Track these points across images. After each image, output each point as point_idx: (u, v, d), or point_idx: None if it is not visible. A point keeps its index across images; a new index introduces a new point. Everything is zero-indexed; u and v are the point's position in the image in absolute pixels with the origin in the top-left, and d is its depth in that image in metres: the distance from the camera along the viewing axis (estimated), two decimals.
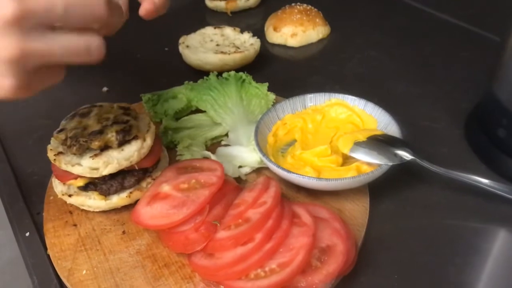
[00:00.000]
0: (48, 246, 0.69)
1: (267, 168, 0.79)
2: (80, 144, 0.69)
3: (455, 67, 1.05)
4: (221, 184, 0.68)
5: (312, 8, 1.19)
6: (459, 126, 0.88)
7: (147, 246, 0.68)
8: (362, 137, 0.74)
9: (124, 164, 0.70)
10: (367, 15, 1.30)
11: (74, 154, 0.69)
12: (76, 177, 0.71)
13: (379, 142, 0.74)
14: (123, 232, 0.70)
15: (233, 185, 0.72)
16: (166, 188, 0.69)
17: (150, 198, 0.69)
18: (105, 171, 0.69)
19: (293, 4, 1.20)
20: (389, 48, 1.14)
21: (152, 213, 0.66)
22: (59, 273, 0.65)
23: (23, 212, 0.75)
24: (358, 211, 0.72)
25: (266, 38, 1.19)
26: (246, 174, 0.79)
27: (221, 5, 1.31)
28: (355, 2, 1.37)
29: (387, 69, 1.06)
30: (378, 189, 0.74)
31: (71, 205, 0.74)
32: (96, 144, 0.69)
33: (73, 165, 0.69)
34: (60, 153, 0.71)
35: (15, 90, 0.51)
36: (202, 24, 1.15)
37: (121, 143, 0.70)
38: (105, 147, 0.70)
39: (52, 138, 0.74)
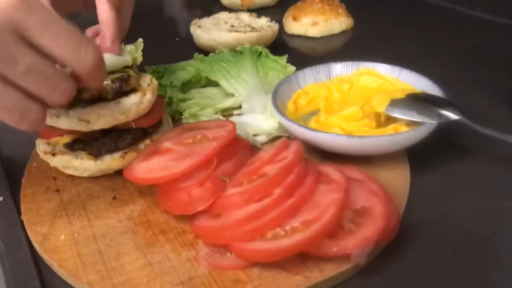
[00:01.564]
0: (22, 211, 0.57)
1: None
2: None
3: (490, 56, 0.95)
4: (231, 137, 0.56)
5: None
6: (508, 106, 0.76)
7: (141, 211, 0.56)
8: (400, 95, 0.63)
9: (120, 118, 0.59)
10: (391, 11, 1.21)
11: (63, 107, 0.59)
12: (63, 133, 0.60)
13: (420, 101, 0.63)
14: (114, 198, 0.59)
15: (246, 143, 0.60)
16: (167, 144, 0.58)
17: (147, 155, 0.57)
18: (96, 125, 0.59)
19: None
20: (419, 39, 1.04)
21: (148, 167, 0.55)
22: (31, 238, 0.54)
23: (0, 178, 0.64)
24: (397, 179, 0.59)
25: (284, 29, 1.10)
26: (262, 143, 0.67)
27: (237, 1, 1.24)
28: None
29: (419, 56, 0.95)
30: (419, 160, 0.62)
31: (56, 171, 0.63)
32: (88, 93, 0.58)
33: (59, 117, 0.59)
34: None
35: None
36: None
37: (117, 94, 0.60)
38: (98, 99, 0.60)
39: None
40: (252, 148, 0.61)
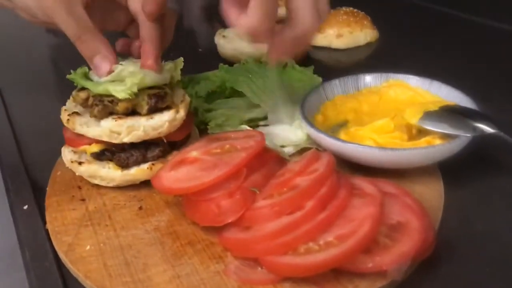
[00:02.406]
0: (47, 220, 0.57)
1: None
2: (104, 105, 0.58)
3: None
4: (261, 148, 0.55)
5: (359, 11, 1.09)
6: None
7: (168, 222, 0.55)
8: (433, 107, 0.61)
9: (151, 134, 0.59)
10: (417, 24, 1.20)
11: (95, 116, 0.58)
12: (91, 142, 0.60)
13: (455, 114, 0.61)
14: (140, 208, 0.58)
15: (275, 154, 0.59)
16: (194, 153, 0.57)
17: (175, 164, 0.56)
18: (127, 138, 0.58)
19: (338, 7, 1.11)
20: (446, 51, 1.02)
21: (177, 176, 0.54)
22: (57, 247, 0.53)
23: (24, 186, 0.63)
24: (431, 194, 0.58)
25: None
26: (290, 155, 0.66)
27: None
28: (401, 13, 1.28)
29: (447, 68, 0.93)
30: (452, 174, 0.60)
31: (81, 180, 0.62)
32: (123, 105, 0.57)
33: (89, 126, 0.58)
34: (75, 113, 0.60)
35: None
36: None
37: (152, 110, 0.59)
38: (132, 113, 0.59)
39: (68, 100, 0.63)
40: (282, 159, 0.60)
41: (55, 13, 0.59)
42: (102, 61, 0.58)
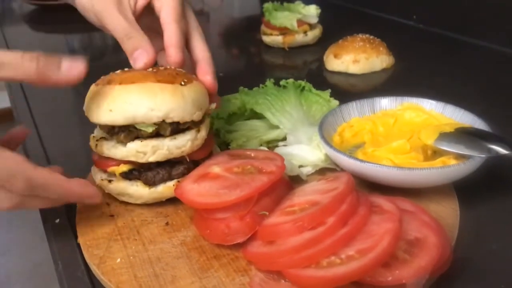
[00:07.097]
0: (79, 234, 0.59)
1: (332, 170, 0.68)
2: (129, 131, 0.61)
3: None
4: (282, 173, 0.58)
5: (375, 38, 1.13)
6: None
7: (193, 237, 0.58)
8: (449, 128, 0.64)
9: (175, 153, 0.62)
10: (432, 50, 1.23)
11: (122, 142, 0.61)
12: (119, 164, 0.63)
13: (469, 135, 0.63)
14: (166, 224, 0.60)
15: (285, 180, 0.61)
16: (216, 169, 0.60)
17: (198, 177, 0.59)
18: (153, 158, 0.61)
19: (354, 34, 1.14)
20: (460, 78, 1.05)
21: (199, 190, 0.57)
22: (89, 260, 0.55)
23: None
24: (446, 212, 0.60)
25: (325, 66, 1.13)
26: (308, 175, 0.68)
27: (278, 39, 1.27)
28: (417, 40, 1.31)
29: (461, 93, 0.95)
30: (467, 194, 0.62)
31: (109, 197, 0.65)
32: (147, 131, 0.60)
33: (116, 148, 0.61)
34: (102, 138, 0.63)
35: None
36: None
37: (174, 131, 0.62)
38: (156, 135, 0.62)
39: (96, 129, 0.67)
40: (290, 184, 0.62)
41: (106, 14, 0.64)
42: (140, 55, 0.62)
